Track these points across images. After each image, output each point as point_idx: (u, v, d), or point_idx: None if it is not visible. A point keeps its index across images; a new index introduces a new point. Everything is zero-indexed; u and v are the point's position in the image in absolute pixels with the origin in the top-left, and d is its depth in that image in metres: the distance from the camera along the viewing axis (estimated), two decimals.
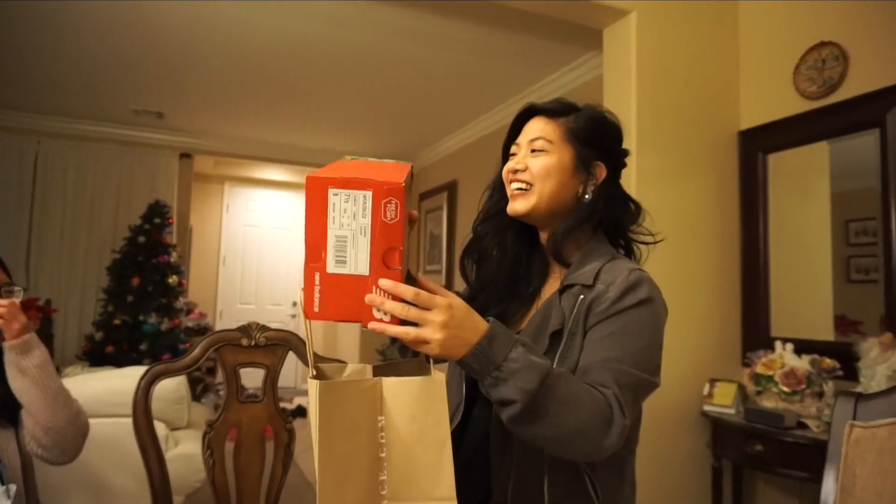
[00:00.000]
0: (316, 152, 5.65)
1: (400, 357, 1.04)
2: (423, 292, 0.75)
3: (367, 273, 0.74)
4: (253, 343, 1.34)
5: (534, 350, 0.81)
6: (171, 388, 2.42)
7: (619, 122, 1.06)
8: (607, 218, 1.04)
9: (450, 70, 3.61)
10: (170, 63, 3.67)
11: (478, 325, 0.78)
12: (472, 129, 4.69)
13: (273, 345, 1.35)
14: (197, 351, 1.30)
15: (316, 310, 0.74)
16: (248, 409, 1.33)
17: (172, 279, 4.44)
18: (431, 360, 0.81)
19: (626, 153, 1.07)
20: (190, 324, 4.75)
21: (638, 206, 1.07)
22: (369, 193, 0.72)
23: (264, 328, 1.36)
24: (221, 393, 1.69)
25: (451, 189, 5.02)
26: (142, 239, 4.41)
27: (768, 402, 2.14)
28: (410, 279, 0.82)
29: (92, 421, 2.10)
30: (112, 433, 2.13)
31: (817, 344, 2.23)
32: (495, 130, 4.38)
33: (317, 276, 0.74)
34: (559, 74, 3.57)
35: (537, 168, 1.00)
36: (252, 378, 1.51)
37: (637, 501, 1.03)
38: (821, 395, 2.07)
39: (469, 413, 1.03)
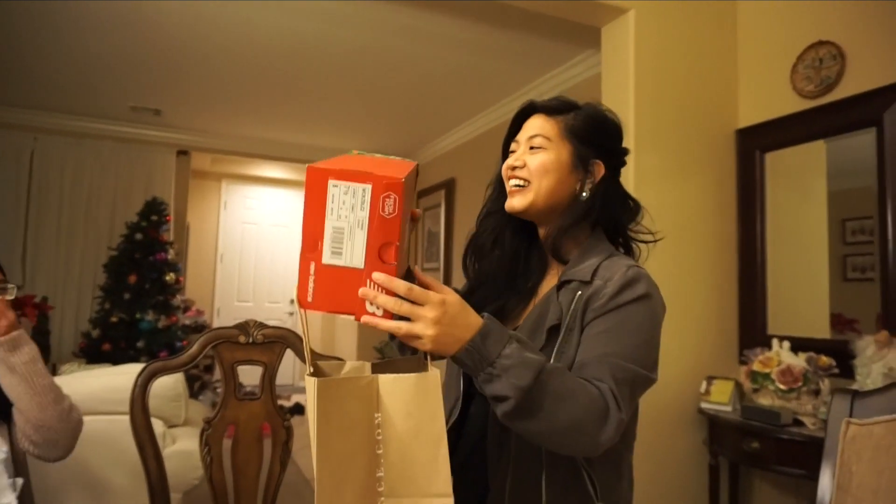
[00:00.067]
0: (314, 150, 5.65)
1: (399, 353, 1.04)
2: (416, 287, 0.75)
3: (362, 266, 0.74)
4: (251, 340, 1.34)
5: (528, 346, 0.81)
6: (168, 385, 2.41)
7: (619, 120, 1.06)
8: (605, 216, 1.04)
9: (448, 68, 3.61)
10: (167, 60, 3.66)
11: (471, 322, 0.78)
12: (470, 126, 4.69)
13: (271, 342, 1.35)
14: (194, 348, 1.30)
15: (309, 300, 0.75)
16: (246, 406, 1.33)
17: (170, 277, 4.44)
18: (429, 357, 0.81)
19: (625, 152, 1.07)
20: (187, 321, 4.75)
21: (637, 205, 1.07)
22: (368, 187, 0.72)
23: (262, 325, 1.36)
24: (219, 390, 1.69)
25: (449, 187, 5.02)
26: (139, 236, 4.41)
27: (765, 400, 2.15)
28: (409, 273, 0.82)
29: (89, 418, 2.10)
30: (109, 430, 2.13)
31: (814, 342, 2.24)
32: (493, 128, 4.37)
33: (312, 266, 0.74)
34: (557, 72, 3.57)
35: (535, 165, 1.00)
36: (250, 376, 1.51)
37: (634, 498, 1.04)
38: (817, 392, 2.08)
39: (467, 409, 1.03)
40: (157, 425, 2.29)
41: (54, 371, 3.86)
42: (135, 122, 4.99)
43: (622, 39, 2.44)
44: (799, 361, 2.11)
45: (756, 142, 2.53)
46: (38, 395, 1.33)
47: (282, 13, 3.00)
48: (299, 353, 1.35)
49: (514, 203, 1.02)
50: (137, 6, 2.97)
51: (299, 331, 0.82)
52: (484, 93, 4.03)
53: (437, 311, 0.75)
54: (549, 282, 1.06)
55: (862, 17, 2.20)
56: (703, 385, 2.38)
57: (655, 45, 2.43)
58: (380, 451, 0.77)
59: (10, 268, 4.51)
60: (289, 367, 6.80)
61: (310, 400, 0.75)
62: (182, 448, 2.34)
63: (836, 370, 2.08)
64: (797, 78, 2.38)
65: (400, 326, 0.75)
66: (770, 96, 2.49)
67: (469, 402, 1.03)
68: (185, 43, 3.39)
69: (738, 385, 2.33)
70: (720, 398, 2.31)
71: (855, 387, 1.91)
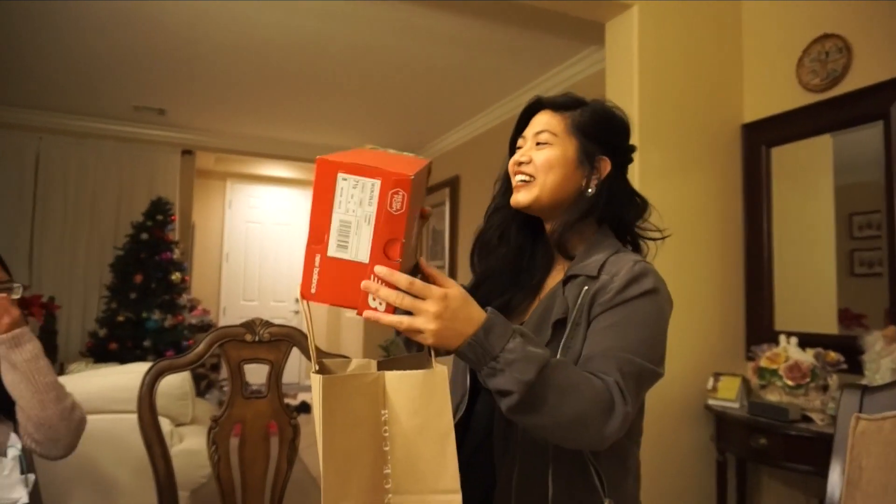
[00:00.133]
0: (317, 148, 5.64)
1: (405, 348, 1.04)
2: (417, 281, 0.74)
3: (366, 261, 0.74)
4: (257, 339, 1.34)
5: (532, 340, 0.81)
6: (175, 383, 2.42)
7: (626, 117, 1.06)
8: (611, 212, 1.04)
9: (452, 66, 3.60)
10: (171, 60, 3.67)
11: (473, 316, 0.78)
12: (474, 124, 4.68)
13: (277, 340, 1.36)
14: (201, 347, 1.31)
15: (312, 291, 0.75)
16: (253, 404, 1.33)
17: (175, 276, 4.45)
18: (433, 354, 0.81)
19: (632, 149, 1.07)
20: (193, 320, 4.76)
21: (645, 202, 1.07)
22: (377, 182, 0.72)
23: (268, 324, 1.36)
24: (225, 389, 1.70)
25: (453, 185, 5.02)
26: (144, 236, 4.42)
27: (772, 396, 2.14)
28: (416, 266, 0.82)
29: (96, 417, 2.12)
30: (117, 429, 2.14)
31: (821, 337, 2.22)
32: (497, 125, 4.37)
33: (317, 258, 0.74)
34: (561, 69, 3.56)
35: (541, 160, 1.00)
36: (256, 374, 1.51)
37: (641, 495, 1.04)
38: (825, 388, 2.07)
39: (473, 405, 1.03)
40: (165, 424, 2.29)
41: (62, 370, 3.88)
42: (139, 122, 5.01)
43: (626, 35, 2.43)
44: (807, 357, 2.10)
45: (762, 136, 2.52)
46: (39, 392, 1.33)
47: (285, 12, 3.00)
48: (305, 352, 1.35)
49: (519, 198, 1.02)
50: (140, 5, 2.97)
51: (305, 329, 0.82)
52: (488, 90, 4.02)
53: (439, 306, 0.75)
54: (555, 277, 1.06)
55: (868, 9, 2.19)
56: (710, 381, 2.37)
57: (659, 41, 2.42)
58: (386, 448, 0.77)
59: (17, 268, 4.52)
60: (295, 365, 6.82)
61: (315, 397, 0.75)
62: (189, 446, 2.35)
63: (844, 366, 2.07)
64: (803, 72, 2.37)
65: (401, 321, 0.75)
66: (775, 90, 2.48)
67: (476, 398, 1.03)
68: (188, 42, 3.40)
69: (746, 381, 2.32)
70: (727, 394, 2.30)
71: (864, 382, 1.90)
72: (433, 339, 0.75)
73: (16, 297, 1.39)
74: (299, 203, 7.16)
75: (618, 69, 2.47)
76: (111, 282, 4.41)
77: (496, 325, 0.78)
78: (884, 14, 2.14)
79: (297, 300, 6.91)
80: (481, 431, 1.00)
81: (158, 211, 4.53)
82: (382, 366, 0.86)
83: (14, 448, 1.16)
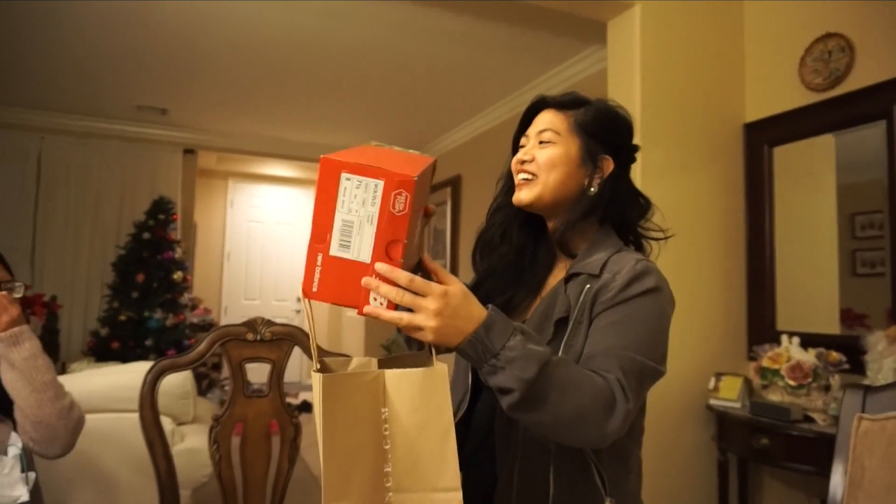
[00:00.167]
0: (319, 147, 5.65)
1: (406, 346, 1.04)
2: (417, 278, 0.74)
3: (368, 261, 0.74)
4: (258, 338, 1.34)
5: (533, 338, 0.80)
6: (177, 382, 2.42)
7: (629, 117, 1.06)
8: (613, 211, 1.04)
9: (453, 65, 3.60)
10: (173, 59, 3.67)
11: (473, 313, 0.78)
12: (475, 123, 4.68)
13: (278, 339, 1.36)
14: (203, 346, 1.31)
15: (314, 289, 0.75)
16: (254, 403, 1.33)
17: (177, 275, 4.46)
18: (434, 351, 0.81)
19: (635, 149, 1.07)
20: (195, 320, 4.77)
21: (648, 202, 1.07)
22: (381, 183, 0.72)
23: (270, 323, 1.36)
24: (227, 388, 1.70)
25: (454, 184, 5.02)
26: (146, 235, 4.43)
27: (774, 396, 2.14)
28: (418, 264, 0.82)
29: (98, 416, 2.12)
30: (118, 428, 2.14)
31: (823, 337, 2.22)
32: (499, 124, 4.36)
33: (319, 257, 0.74)
34: (563, 68, 3.56)
35: (543, 159, 1.00)
36: (257, 373, 1.51)
37: (643, 494, 1.03)
38: (827, 388, 2.06)
39: (475, 403, 1.03)
40: (166, 423, 2.30)
41: (63, 369, 3.89)
42: (141, 122, 5.01)
43: (628, 34, 2.43)
44: (808, 357, 2.10)
45: (764, 136, 2.52)
46: (36, 391, 1.33)
47: (287, 11, 3.00)
48: (307, 351, 1.35)
49: (521, 196, 1.02)
50: (142, 5, 2.98)
51: (307, 328, 0.83)
52: (489, 89, 4.02)
53: (439, 303, 0.75)
54: (557, 276, 1.06)
55: (871, 8, 2.18)
56: (712, 381, 2.37)
57: (661, 40, 2.42)
58: (387, 447, 0.77)
59: (19, 267, 4.54)
60: (296, 364, 6.82)
61: (316, 396, 0.75)
62: (191, 445, 2.35)
63: (846, 366, 2.06)
64: (805, 71, 2.36)
65: (401, 317, 0.75)
66: (778, 90, 2.47)
67: (478, 396, 1.03)
68: (190, 42, 3.40)
69: (747, 381, 2.31)
70: (729, 394, 2.30)
71: (866, 382, 1.90)
72: (433, 336, 0.75)
73: (17, 295, 1.39)
74: (301, 202, 7.16)
75: (619, 68, 2.47)
76: (113, 281, 4.42)
77: (497, 322, 0.78)
78: (886, 13, 2.14)
79: (298, 299, 6.93)
80: (483, 430, 1.00)
81: (160, 210, 4.54)
82: (383, 364, 0.86)
83: (15, 446, 1.16)
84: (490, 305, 0.80)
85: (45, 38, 3.38)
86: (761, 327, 2.47)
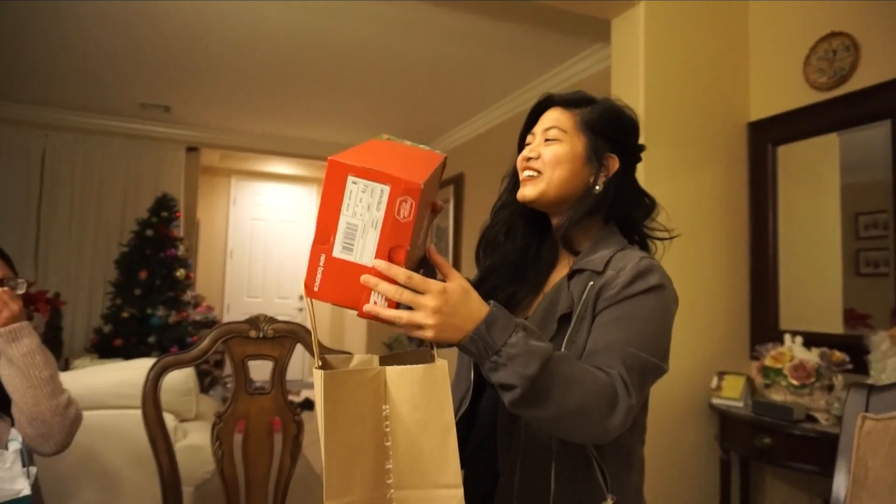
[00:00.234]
0: (321, 145, 5.65)
1: (409, 342, 1.04)
2: (416, 275, 0.74)
3: (370, 265, 0.74)
4: (261, 335, 1.34)
5: (535, 334, 0.80)
6: (179, 379, 2.43)
7: (636, 117, 1.07)
8: (618, 210, 1.04)
9: (457, 63, 3.60)
10: (176, 57, 3.67)
11: (473, 310, 0.77)
12: (478, 121, 4.68)
13: (281, 337, 1.36)
14: (206, 343, 1.31)
15: (315, 289, 0.75)
16: (257, 400, 1.34)
17: (180, 273, 4.46)
18: (435, 348, 0.81)
19: (641, 148, 1.07)
20: (197, 317, 4.78)
21: (653, 202, 1.07)
22: (387, 188, 0.72)
23: (272, 320, 1.36)
24: (229, 386, 1.70)
25: (457, 182, 5.01)
26: (149, 232, 4.43)
27: (777, 396, 2.13)
28: (424, 260, 0.83)
29: (101, 413, 2.13)
30: (121, 425, 2.14)
31: (826, 337, 2.21)
32: (503, 123, 4.36)
33: (322, 258, 0.74)
34: (566, 66, 3.55)
35: (549, 156, 1.01)
36: (260, 371, 1.51)
37: (645, 493, 1.03)
38: (830, 388, 2.06)
39: (478, 399, 1.03)
40: (169, 420, 2.30)
41: (66, 366, 3.90)
42: (144, 119, 5.02)
43: (632, 32, 2.42)
44: (812, 356, 2.09)
45: (768, 135, 2.51)
46: (33, 387, 1.34)
47: (290, 9, 3.00)
48: (309, 349, 1.35)
49: (526, 192, 1.02)
50: (146, 3, 2.98)
51: (309, 325, 0.83)
52: (493, 87, 4.01)
53: (438, 300, 0.75)
54: (560, 273, 1.06)
55: (876, 7, 2.17)
56: (714, 380, 2.37)
57: (666, 38, 2.41)
58: (388, 443, 0.77)
59: (23, 264, 4.56)
60: (299, 362, 6.83)
61: (317, 393, 0.75)
62: (193, 442, 2.36)
63: (849, 365, 2.06)
64: (810, 70, 2.35)
65: (400, 316, 0.75)
66: (782, 89, 2.47)
67: (481, 393, 1.03)
68: (193, 39, 3.40)
69: (750, 380, 2.31)
70: (731, 393, 2.29)
71: (869, 382, 1.89)
72: (433, 333, 0.75)
73: (20, 292, 1.40)
74: (303, 200, 7.17)
75: (623, 67, 2.46)
76: (116, 278, 4.43)
77: (498, 318, 0.78)
78: (892, 12, 2.13)
79: (300, 297, 6.93)
80: (485, 427, 1.00)
81: (163, 208, 4.54)
82: (385, 361, 0.86)
83: (15, 441, 1.17)
84: (492, 301, 0.80)
85: (48, 35, 3.39)
86: (764, 326, 2.47)
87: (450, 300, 0.75)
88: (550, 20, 2.97)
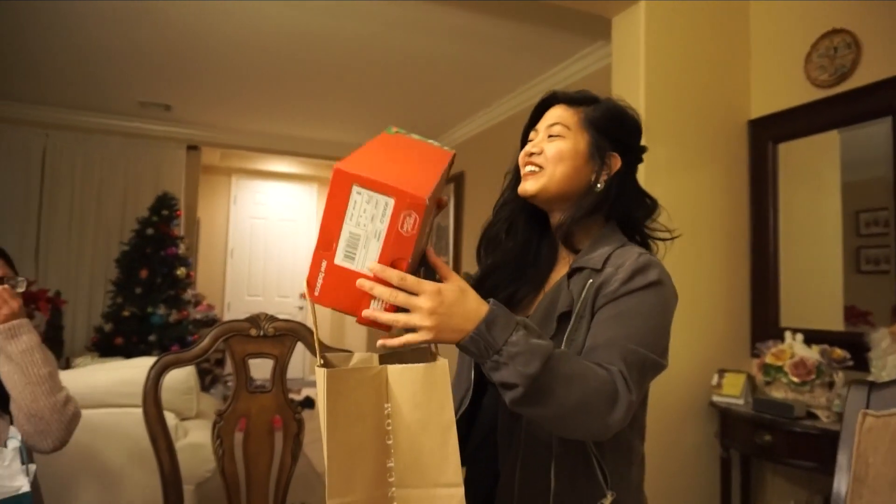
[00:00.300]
0: (322, 144, 5.65)
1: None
2: (409, 276, 0.74)
3: (371, 275, 0.74)
4: (262, 333, 1.34)
5: (535, 332, 0.80)
6: (180, 378, 2.43)
7: (638, 117, 1.07)
8: (618, 209, 1.04)
9: (457, 62, 3.59)
10: (176, 56, 3.67)
11: (470, 310, 0.77)
12: (479, 119, 4.67)
13: (282, 335, 1.36)
14: (206, 341, 1.31)
15: (316, 293, 0.75)
16: (257, 399, 1.34)
17: (180, 271, 4.47)
18: (436, 347, 0.81)
19: (643, 149, 1.08)
20: (198, 316, 4.78)
21: (654, 203, 1.07)
22: (391, 201, 0.72)
23: (273, 319, 1.36)
24: (230, 384, 1.71)
25: (458, 181, 5.01)
26: (150, 231, 4.44)
27: (777, 393, 2.13)
28: (423, 260, 0.83)
29: (102, 411, 2.13)
30: (122, 423, 2.15)
31: (827, 334, 2.21)
32: (503, 121, 4.35)
33: (323, 264, 0.74)
34: (567, 64, 3.55)
35: (552, 152, 1.01)
36: (260, 369, 1.52)
37: (646, 490, 1.03)
38: (831, 385, 2.06)
39: (479, 399, 1.03)
40: (170, 418, 2.31)
41: (67, 364, 3.90)
42: (144, 118, 5.02)
43: (633, 30, 2.42)
44: (812, 354, 2.09)
45: (768, 133, 2.51)
46: (31, 384, 1.35)
47: (291, 7, 3.00)
48: (310, 347, 1.35)
49: (527, 186, 1.02)
50: (146, 2, 2.98)
51: (309, 324, 0.83)
52: (493, 85, 4.01)
53: (433, 301, 0.74)
54: (560, 272, 1.06)
55: (877, 4, 2.17)
56: (715, 378, 2.37)
57: (666, 36, 2.41)
58: (390, 442, 0.77)
59: (24, 263, 4.56)
60: (299, 360, 6.84)
61: (320, 391, 0.75)
62: (194, 440, 2.36)
63: (850, 362, 2.06)
64: (811, 67, 2.35)
65: (397, 319, 0.75)
66: (783, 86, 2.46)
67: (482, 392, 1.03)
68: (194, 38, 3.40)
69: (751, 378, 2.31)
70: (732, 391, 2.29)
71: (870, 379, 1.89)
72: (430, 335, 0.75)
73: (20, 290, 1.41)
74: (304, 199, 7.17)
75: (624, 65, 2.46)
76: (117, 277, 4.43)
77: (499, 317, 0.78)
78: (893, 9, 2.13)
79: (301, 295, 6.93)
80: (486, 426, 1.01)
81: (164, 206, 4.54)
82: (385, 360, 0.86)
83: (14, 439, 1.17)
84: (492, 300, 0.80)
85: (49, 34, 3.39)
86: (765, 324, 2.47)
87: (445, 301, 0.75)
88: (550, 18, 2.96)
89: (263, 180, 7.02)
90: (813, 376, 2.05)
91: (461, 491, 0.76)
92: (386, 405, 0.77)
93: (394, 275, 0.73)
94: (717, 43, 2.53)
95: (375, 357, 0.87)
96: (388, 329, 0.77)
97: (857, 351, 2.03)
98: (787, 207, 2.46)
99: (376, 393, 0.77)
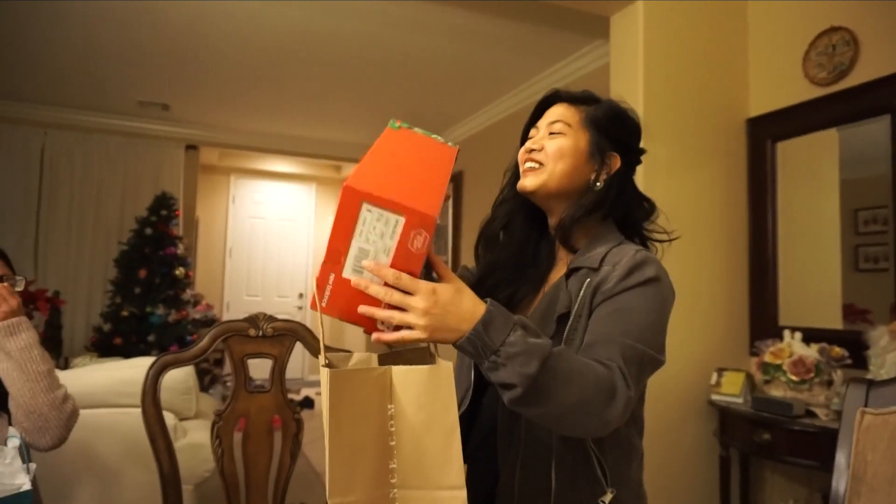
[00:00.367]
0: (321, 143, 5.64)
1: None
2: (404, 275, 0.74)
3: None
4: (260, 333, 1.34)
5: (533, 331, 0.80)
6: (179, 378, 2.43)
7: (638, 119, 1.07)
8: (617, 209, 1.04)
9: (456, 61, 3.59)
10: (175, 55, 3.67)
11: (466, 310, 0.77)
12: (477, 118, 4.67)
13: (280, 335, 1.35)
14: (205, 341, 1.31)
15: (323, 304, 0.76)
16: (257, 399, 1.33)
17: (179, 271, 4.46)
18: (436, 348, 0.81)
19: (642, 151, 1.08)
20: (197, 315, 4.78)
21: (652, 205, 1.07)
22: (402, 219, 0.72)
23: (272, 319, 1.36)
24: (229, 384, 1.71)
25: (457, 180, 5.01)
26: (149, 231, 4.43)
27: (776, 391, 2.14)
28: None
29: (101, 411, 2.13)
30: (121, 423, 2.14)
31: (826, 332, 2.22)
32: (502, 120, 4.35)
33: (331, 277, 0.75)
34: (565, 63, 3.55)
35: (552, 149, 1.01)
36: (259, 369, 1.51)
37: (646, 489, 1.03)
38: (829, 383, 2.06)
39: (479, 399, 1.03)
40: (169, 418, 2.30)
41: (66, 364, 3.90)
42: (143, 117, 5.01)
43: (631, 29, 2.42)
44: (811, 352, 2.09)
45: (767, 131, 2.51)
46: (30, 381, 1.35)
47: (289, 7, 3.00)
48: (309, 347, 1.35)
49: (526, 183, 1.02)
50: (145, 2, 2.97)
51: (309, 324, 0.83)
52: (492, 84, 4.01)
53: (428, 301, 0.74)
54: (559, 271, 1.06)
55: (876, 2, 2.17)
56: (714, 377, 2.37)
57: (665, 34, 2.41)
58: (392, 443, 0.77)
59: (22, 262, 4.56)
60: (298, 360, 6.84)
61: (324, 391, 0.75)
62: (193, 441, 2.36)
63: (848, 361, 2.06)
64: (809, 65, 2.35)
65: (392, 316, 0.75)
66: (781, 84, 2.46)
67: (482, 392, 1.03)
68: (192, 38, 3.39)
69: (749, 376, 2.31)
70: (731, 389, 2.30)
71: (869, 377, 1.89)
72: (425, 334, 0.75)
73: (18, 289, 1.41)
74: (303, 198, 7.17)
75: (623, 63, 2.46)
76: (115, 277, 4.42)
77: (496, 317, 0.77)
78: (891, 7, 2.13)
79: (300, 295, 6.91)
80: (486, 426, 1.00)
81: (162, 206, 4.54)
82: (384, 360, 0.86)
83: (15, 437, 1.17)
84: (489, 300, 0.80)
85: (48, 34, 3.38)
86: (763, 322, 2.47)
87: (440, 301, 0.75)
88: (549, 17, 2.96)
89: (262, 180, 7.01)
90: (812, 375, 2.05)
91: (464, 493, 0.76)
92: (390, 406, 0.77)
93: (389, 273, 0.73)
94: (716, 41, 2.53)
95: (375, 357, 0.87)
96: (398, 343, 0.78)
97: (856, 349, 2.03)
98: (786, 206, 2.46)
99: (380, 394, 0.77)
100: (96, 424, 2.08)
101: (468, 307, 0.77)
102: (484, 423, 1.01)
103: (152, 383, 1.28)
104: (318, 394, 5.76)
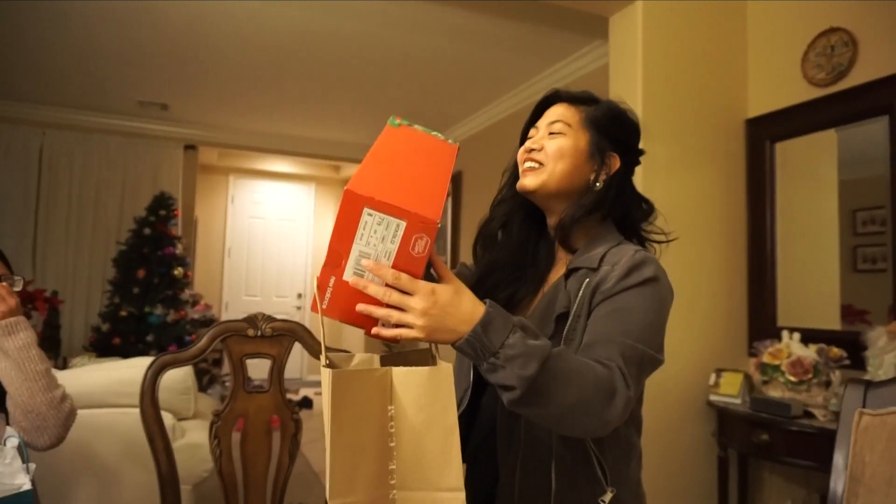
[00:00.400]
0: (321, 143, 5.64)
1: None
2: (403, 276, 0.74)
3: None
4: (259, 334, 1.34)
5: (533, 332, 0.80)
6: (178, 378, 2.43)
7: (638, 120, 1.07)
8: (616, 209, 1.04)
9: (455, 61, 3.59)
10: (174, 55, 3.66)
11: (465, 311, 0.77)
12: (477, 119, 4.67)
13: (279, 335, 1.35)
14: (203, 341, 1.31)
15: (323, 307, 0.76)
16: (255, 399, 1.33)
17: (178, 271, 4.46)
18: (437, 349, 0.81)
19: (641, 152, 1.08)
20: (196, 316, 4.77)
21: (651, 206, 1.08)
22: (403, 224, 0.72)
23: (270, 319, 1.36)
24: (227, 384, 1.70)
25: (456, 180, 5.01)
26: (147, 231, 4.43)
27: (775, 392, 2.14)
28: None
29: (99, 411, 2.13)
30: (120, 423, 2.14)
31: (824, 333, 2.22)
32: (501, 120, 4.35)
33: (332, 280, 0.75)
34: (564, 63, 3.55)
35: (552, 148, 1.01)
36: (258, 369, 1.51)
37: (644, 489, 1.04)
38: (828, 384, 2.06)
39: (479, 399, 1.03)
40: (167, 418, 2.30)
41: (65, 364, 3.89)
42: (142, 117, 5.01)
43: (630, 29, 2.42)
44: (809, 353, 2.10)
45: (766, 131, 2.51)
46: (28, 380, 1.36)
47: (288, 7, 3.00)
48: (308, 347, 1.35)
49: (526, 182, 1.02)
50: (144, 2, 2.97)
51: (307, 324, 0.83)
52: (491, 85, 4.01)
53: (426, 302, 0.74)
54: (558, 272, 1.06)
55: (874, 3, 2.17)
56: (712, 377, 2.37)
57: (664, 35, 2.41)
58: (392, 444, 0.76)
59: (21, 262, 4.55)
60: (297, 360, 6.83)
61: (325, 391, 0.75)
62: (192, 440, 2.36)
63: (846, 361, 2.06)
64: (808, 66, 2.36)
65: (390, 315, 0.75)
66: (780, 85, 2.47)
67: (481, 392, 1.03)
68: (191, 38, 3.39)
69: (748, 377, 2.31)
70: (729, 390, 2.30)
71: (867, 378, 1.89)
72: (423, 335, 0.75)
73: (16, 289, 1.41)
74: (302, 198, 7.17)
75: (622, 64, 2.46)
76: (114, 277, 4.42)
77: (495, 319, 0.77)
78: (890, 8, 2.13)
79: (299, 295, 6.90)
80: (486, 426, 1.00)
81: (161, 206, 4.53)
82: (385, 361, 0.86)
83: (14, 437, 1.17)
84: (488, 301, 0.80)
85: (47, 33, 3.38)
86: (762, 323, 2.47)
87: (438, 301, 0.75)
88: (548, 18, 2.96)
89: (261, 180, 7.01)
90: (810, 375, 2.05)
91: (462, 495, 0.76)
92: (390, 407, 0.77)
93: (389, 273, 0.73)
94: (715, 42, 2.53)
95: (376, 358, 0.87)
96: (394, 340, 0.78)
97: (854, 350, 2.04)
98: (785, 206, 2.47)
99: (381, 395, 0.77)
100: (95, 424, 2.08)
101: (467, 308, 0.77)
102: (483, 423, 1.01)
103: (151, 383, 1.28)
104: (318, 394, 5.76)
